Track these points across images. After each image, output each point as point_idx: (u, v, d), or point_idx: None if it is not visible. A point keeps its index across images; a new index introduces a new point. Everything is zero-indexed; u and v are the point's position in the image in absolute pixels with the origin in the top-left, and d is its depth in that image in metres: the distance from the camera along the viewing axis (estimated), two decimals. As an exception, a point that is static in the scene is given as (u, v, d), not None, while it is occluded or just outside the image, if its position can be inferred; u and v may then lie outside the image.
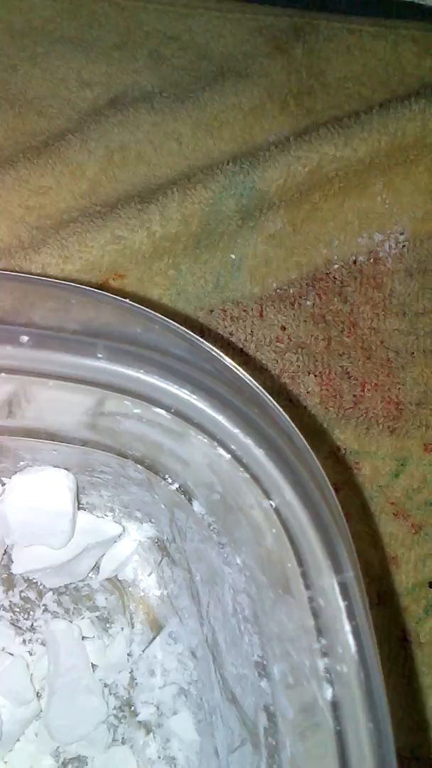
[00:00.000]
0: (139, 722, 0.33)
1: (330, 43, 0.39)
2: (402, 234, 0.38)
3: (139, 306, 0.21)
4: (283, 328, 0.36)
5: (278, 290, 0.37)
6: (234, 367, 0.21)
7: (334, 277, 0.37)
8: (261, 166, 0.35)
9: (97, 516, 0.34)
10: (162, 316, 0.21)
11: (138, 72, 0.38)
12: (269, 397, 0.21)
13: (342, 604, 0.19)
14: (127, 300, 0.21)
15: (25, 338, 0.19)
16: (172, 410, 0.20)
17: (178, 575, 0.34)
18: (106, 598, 0.34)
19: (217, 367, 0.20)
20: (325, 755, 0.20)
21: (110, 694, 0.33)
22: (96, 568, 0.34)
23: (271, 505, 0.20)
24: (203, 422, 0.20)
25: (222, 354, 0.21)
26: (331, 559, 0.19)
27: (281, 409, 0.21)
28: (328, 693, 0.19)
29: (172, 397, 0.20)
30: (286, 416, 0.21)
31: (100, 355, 0.19)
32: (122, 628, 0.34)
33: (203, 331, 0.36)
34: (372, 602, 0.35)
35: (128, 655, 0.34)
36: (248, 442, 0.20)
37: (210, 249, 0.37)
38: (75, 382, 0.20)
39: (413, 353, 0.36)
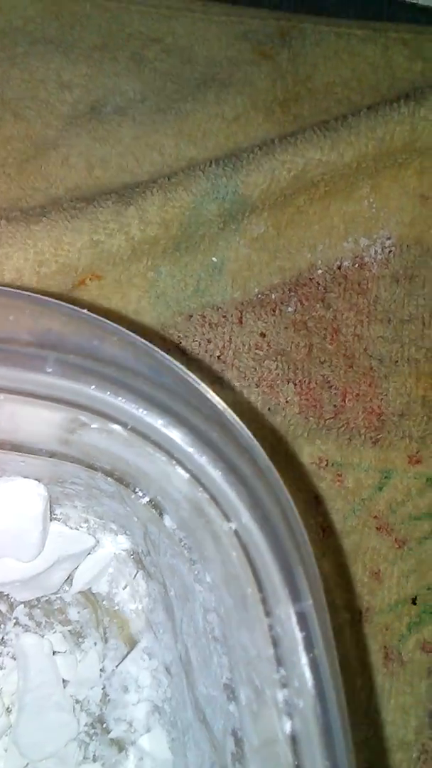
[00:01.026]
0: (112, 740, 0.33)
1: (317, 48, 0.38)
2: (389, 239, 0.37)
3: (97, 317, 0.20)
4: (263, 335, 0.35)
5: (260, 295, 0.36)
6: (196, 381, 0.20)
7: (317, 282, 0.36)
8: (244, 170, 0.34)
9: (71, 527, 0.33)
10: (121, 328, 0.20)
11: (119, 75, 0.37)
12: (232, 413, 0.20)
13: (299, 635, 0.18)
14: (85, 310, 0.20)
15: (-30, 350, 0.18)
16: (129, 426, 0.19)
17: (153, 589, 0.33)
18: (79, 612, 0.33)
19: (178, 383, 0.20)
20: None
21: (82, 710, 0.32)
22: (69, 580, 0.33)
23: (230, 527, 0.19)
24: (159, 440, 0.19)
25: (184, 368, 0.20)
26: (290, 586, 0.18)
27: (244, 426, 0.20)
28: (287, 726, 0.18)
29: (127, 414, 0.19)
30: (250, 434, 0.20)
31: (49, 370, 0.18)
32: (95, 643, 0.33)
33: (180, 338, 0.35)
34: (354, 619, 0.34)
35: (101, 670, 0.33)
36: (204, 462, 0.19)
37: (191, 251, 0.36)
38: (25, 396, 0.19)
39: (397, 361, 0.35)
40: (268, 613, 0.19)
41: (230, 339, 0.35)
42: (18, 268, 0.34)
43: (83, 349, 0.19)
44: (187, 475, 0.19)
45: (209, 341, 0.35)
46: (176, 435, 0.19)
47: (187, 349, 0.35)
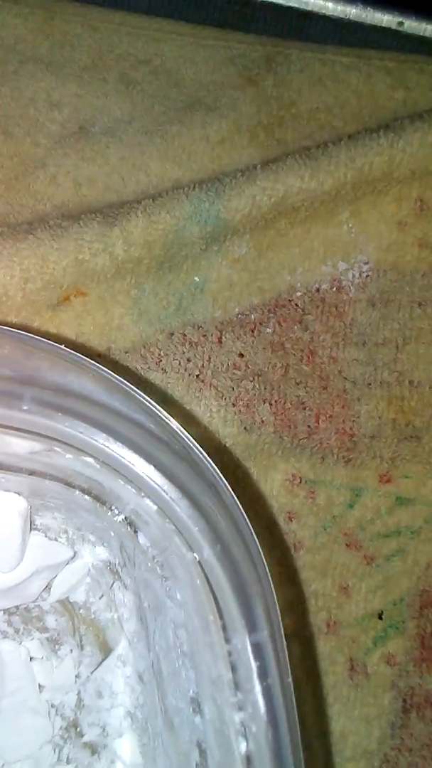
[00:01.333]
0: (85, 743, 0.34)
1: (301, 74, 0.39)
2: (366, 263, 0.38)
3: (74, 353, 0.21)
4: (241, 355, 0.36)
5: (240, 315, 0.37)
6: (166, 418, 0.21)
7: (295, 304, 0.38)
8: (226, 195, 0.35)
9: (50, 538, 0.34)
10: (96, 364, 0.21)
11: (107, 95, 0.38)
12: (200, 450, 0.21)
13: (254, 664, 0.19)
14: (62, 346, 0.21)
15: None
16: (100, 460, 0.20)
17: (129, 599, 0.34)
18: (56, 620, 0.34)
19: (148, 419, 0.21)
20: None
21: (57, 714, 0.34)
22: (48, 589, 0.34)
23: (194, 557, 0.20)
24: (128, 475, 0.20)
25: (155, 404, 0.21)
26: (246, 617, 0.20)
27: (211, 462, 0.21)
28: (243, 747, 0.20)
29: (98, 450, 0.20)
30: (216, 470, 0.21)
31: (25, 407, 0.19)
32: (71, 650, 0.34)
33: (161, 356, 0.36)
34: (321, 631, 0.36)
35: (76, 676, 0.34)
36: (170, 498, 0.20)
37: (174, 271, 0.37)
38: (3, 428, 0.20)
39: (370, 384, 0.37)
40: (227, 640, 0.20)
41: (209, 358, 0.36)
42: (4, 284, 0.34)
43: (58, 385, 0.20)
44: (155, 507, 0.21)
45: (189, 360, 0.36)
46: (145, 471, 0.20)
47: (166, 368, 0.36)
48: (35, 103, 0.38)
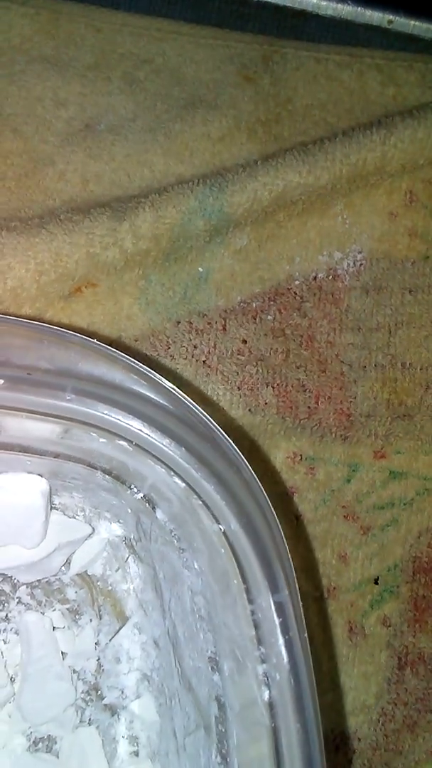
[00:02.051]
0: (105, 705, 0.36)
1: (297, 72, 0.41)
2: (360, 253, 0.40)
3: (105, 346, 0.23)
4: (245, 342, 0.38)
5: (242, 303, 0.39)
6: (192, 404, 0.23)
7: (294, 292, 0.40)
8: (229, 191, 0.37)
9: (69, 516, 0.36)
10: (126, 356, 0.23)
11: (111, 94, 0.40)
12: (222, 431, 0.23)
13: (277, 620, 0.22)
14: (95, 340, 0.23)
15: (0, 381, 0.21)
16: (134, 443, 0.23)
17: (144, 572, 0.36)
18: (76, 592, 0.37)
19: (176, 405, 0.23)
20: (263, 747, 0.23)
21: (79, 679, 0.36)
22: (67, 563, 0.37)
23: (220, 528, 0.23)
24: (160, 456, 0.22)
25: (180, 391, 0.23)
26: (269, 580, 0.22)
27: (232, 443, 0.23)
28: (266, 694, 0.22)
29: (133, 435, 0.22)
30: (237, 449, 0.23)
31: (69, 397, 0.22)
32: (91, 620, 0.37)
33: (169, 343, 0.38)
34: (322, 596, 0.38)
35: (96, 644, 0.36)
36: (199, 475, 0.22)
37: (179, 262, 0.39)
38: (46, 417, 0.22)
39: (365, 367, 0.39)
40: (251, 601, 0.22)
41: (215, 345, 0.38)
42: (20, 277, 0.36)
43: (93, 376, 0.22)
44: (183, 485, 0.23)
45: (195, 347, 0.38)
46: (176, 452, 0.22)
47: (174, 354, 0.38)
48: (42, 102, 0.39)
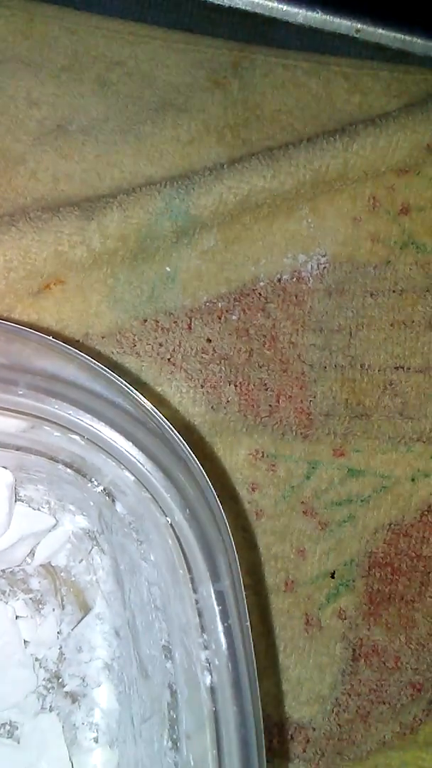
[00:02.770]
0: (66, 692, 0.37)
1: (266, 78, 0.42)
2: (324, 256, 0.41)
3: (60, 343, 0.24)
4: (209, 341, 0.39)
5: (208, 303, 0.40)
6: (142, 400, 0.24)
7: (259, 293, 0.41)
8: (195, 193, 0.38)
9: (34, 508, 0.37)
10: (81, 353, 0.24)
11: (84, 95, 0.40)
12: (171, 428, 0.24)
13: (217, 608, 0.23)
14: (50, 337, 0.24)
15: None
16: (85, 438, 0.23)
17: (106, 563, 0.37)
18: (39, 582, 0.38)
19: (128, 401, 0.24)
20: (207, 731, 0.24)
21: (41, 667, 0.37)
22: (31, 554, 0.37)
23: (167, 520, 0.24)
24: (110, 450, 0.23)
25: (132, 388, 0.24)
26: (210, 570, 0.23)
27: (182, 439, 0.24)
28: (207, 680, 0.23)
29: (84, 429, 0.23)
30: (186, 446, 0.24)
31: (21, 392, 0.22)
32: (54, 609, 0.37)
33: (135, 341, 0.39)
34: (280, 590, 0.39)
35: (58, 633, 0.37)
36: (146, 469, 0.23)
37: (147, 261, 0.40)
38: (2, 410, 0.23)
39: (326, 367, 0.40)
40: (195, 590, 0.23)
41: (180, 343, 0.39)
42: (-12, 273, 0.37)
43: (47, 371, 0.23)
44: (133, 478, 0.24)
45: (161, 345, 0.39)
46: (125, 447, 0.23)
47: (140, 352, 0.39)
48: (15, 101, 0.40)
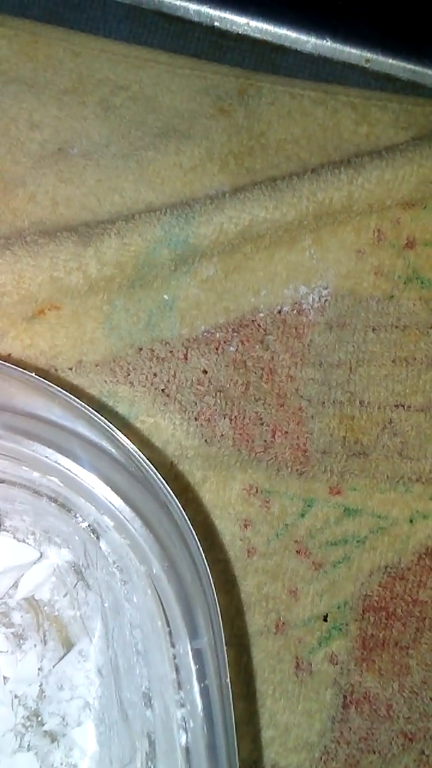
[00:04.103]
0: (45, 731, 0.36)
1: (272, 107, 0.41)
2: (326, 288, 0.41)
3: (43, 380, 0.23)
4: (205, 372, 0.38)
5: (205, 333, 0.39)
6: (124, 442, 0.23)
7: (258, 324, 0.40)
8: (195, 222, 0.37)
9: (18, 539, 0.36)
10: (64, 392, 0.23)
11: (86, 119, 0.40)
12: (155, 471, 0.23)
13: (194, 667, 0.22)
14: (33, 374, 0.23)
15: None
16: (63, 482, 0.23)
17: (91, 598, 0.36)
18: (21, 616, 0.36)
19: (109, 442, 0.23)
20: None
21: (19, 704, 0.36)
22: (15, 586, 0.36)
23: (145, 570, 0.23)
24: (88, 495, 0.22)
25: (115, 429, 0.23)
26: (188, 626, 0.22)
27: (165, 484, 0.23)
28: (183, 739, 0.22)
29: (61, 473, 0.22)
30: (169, 491, 0.23)
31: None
32: (35, 645, 0.36)
33: (129, 370, 0.38)
34: (270, 631, 0.38)
35: (39, 669, 0.36)
36: (124, 517, 0.22)
37: (144, 289, 0.39)
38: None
39: (324, 403, 0.39)
40: (172, 645, 0.22)
41: (175, 374, 0.38)
42: (-19, 298, 0.36)
43: (27, 410, 0.22)
44: (112, 523, 0.23)
45: (155, 375, 0.38)
46: (102, 492, 0.22)
47: (134, 381, 0.38)
48: (16, 123, 0.40)
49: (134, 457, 0.23)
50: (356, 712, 0.39)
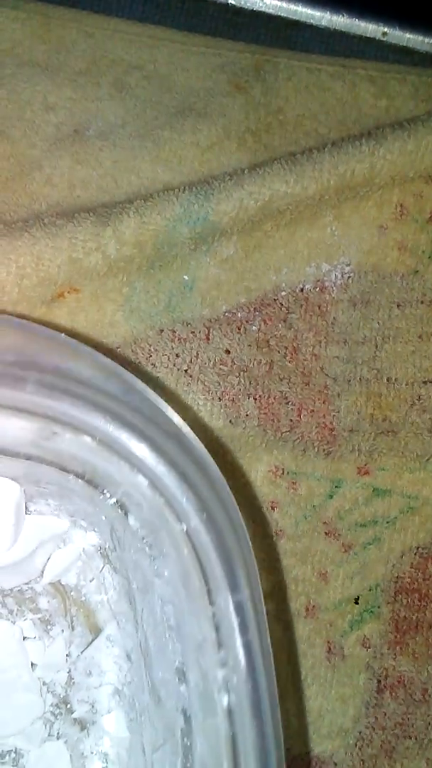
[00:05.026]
0: (75, 719, 0.35)
1: (289, 82, 0.40)
2: (348, 265, 0.40)
3: (73, 339, 0.23)
4: (228, 352, 0.38)
5: (227, 313, 0.39)
6: (157, 400, 0.23)
7: (280, 303, 0.39)
8: (215, 199, 0.37)
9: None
10: (92, 350, 0.23)
11: (101, 99, 0.39)
12: (188, 429, 0.23)
13: (235, 620, 0.21)
14: (62, 334, 0.23)
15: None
16: (97, 439, 0.22)
17: (118, 582, 0.36)
18: (48, 602, 0.36)
19: (142, 401, 0.22)
20: (223, 756, 0.22)
21: (48, 691, 0.35)
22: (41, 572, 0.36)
23: (182, 528, 0.22)
24: (123, 452, 0.22)
25: (148, 387, 0.23)
26: (229, 579, 0.22)
27: (198, 440, 0.23)
28: (225, 700, 0.21)
29: (95, 429, 0.22)
30: (203, 447, 0.23)
31: (29, 389, 0.21)
32: (63, 630, 0.36)
33: (150, 352, 0.37)
34: (300, 615, 0.37)
35: (67, 655, 0.36)
36: (160, 472, 0.22)
37: (164, 270, 0.38)
38: (8, 410, 0.22)
39: (350, 381, 0.38)
40: (211, 602, 0.22)
41: (197, 354, 0.38)
42: (0, 280, 0.36)
43: (58, 369, 0.22)
44: (146, 481, 0.22)
45: (177, 355, 0.38)
46: (137, 447, 0.22)
47: (156, 363, 0.37)
48: (31, 106, 0.39)
49: (166, 415, 0.23)
50: (391, 697, 0.38)
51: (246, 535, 0.24)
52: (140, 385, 0.24)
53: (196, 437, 0.24)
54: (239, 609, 0.22)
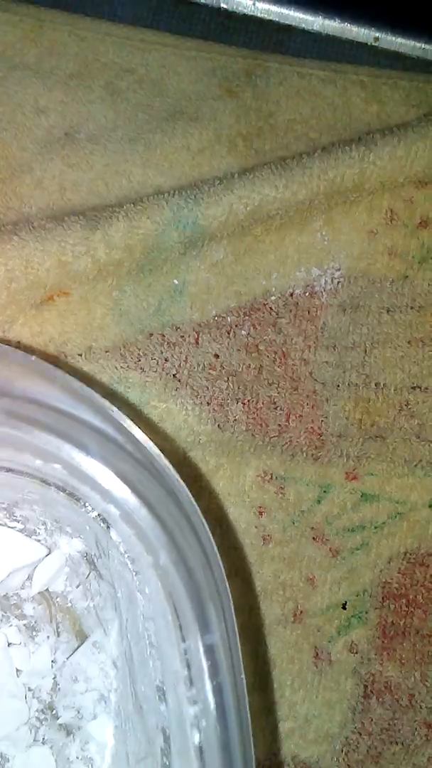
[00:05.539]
0: (60, 725, 0.35)
1: (280, 87, 0.40)
2: (338, 270, 0.40)
3: (44, 362, 0.23)
4: (217, 356, 0.38)
5: (216, 317, 0.39)
6: (130, 427, 0.22)
7: (270, 308, 0.39)
8: (204, 203, 0.37)
9: (29, 529, 0.35)
10: (67, 375, 0.23)
11: (92, 103, 0.39)
12: (162, 457, 0.22)
13: (205, 663, 0.21)
14: (34, 357, 0.23)
15: None
16: (66, 468, 0.22)
17: (104, 589, 0.35)
18: (34, 608, 0.36)
19: (114, 428, 0.22)
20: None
21: (33, 697, 0.35)
22: (29, 579, 0.36)
23: (151, 561, 0.22)
24: (91, 484, 0.22)
25: (121, 413, 0.22)
26: (199, 620, 0.21)
27: (172, 470, 0.22)
28: (196, 738, 0.21)
29: (63, 460, 0.21)
30: (177, 477, 0.22)
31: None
32: (48, 636, 0.36)
33: (139, 356, 0.37)
34: (288, 620, 0.37)
35: (53, 661, 0.35)
36: (131, 506, 0.21)
37: (154, 273, 0.38)
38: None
39: (338, 386, 0.38)
40: (183, 639, 0.21)
41: (186, 358, 0.38)
42: (-11, 284, 0.36)
43: (29, 395, 0.22)
44: (118, 512, 0.22)
45: (167, 360, 0.37)
46: (107, 480, 0.21)
47: (145, 367, 0.37)
48: (22, 109, 0.39)
49: (140, 443, 0.22)
50: (377, 702, 0.38)
51: (221, 571, 0.23)
52: (113, 411, 0.23)
53: (170, 465, 0.24)
54: (209, 651, 0.21)
